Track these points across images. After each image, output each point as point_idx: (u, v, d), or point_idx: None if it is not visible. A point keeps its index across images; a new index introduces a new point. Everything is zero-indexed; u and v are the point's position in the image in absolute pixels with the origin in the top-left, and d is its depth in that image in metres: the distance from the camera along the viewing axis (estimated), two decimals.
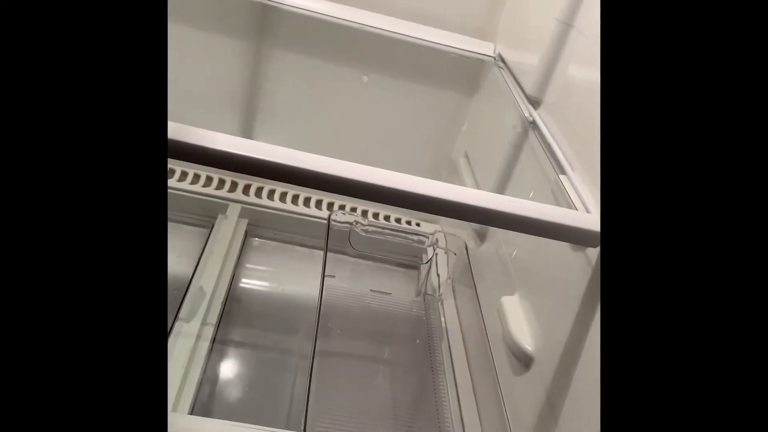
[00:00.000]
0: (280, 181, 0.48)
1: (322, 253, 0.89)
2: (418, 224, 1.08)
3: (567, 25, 0.68)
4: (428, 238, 0.96)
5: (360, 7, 0.89)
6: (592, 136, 0.59)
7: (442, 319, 0.90)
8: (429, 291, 0.94)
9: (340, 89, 0.98)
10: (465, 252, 0.89)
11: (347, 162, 0.48)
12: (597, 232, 0.51)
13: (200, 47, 0.92)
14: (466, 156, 0.97)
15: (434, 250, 0.95)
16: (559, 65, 0.70)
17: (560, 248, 0.60)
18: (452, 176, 0.99)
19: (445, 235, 0.97)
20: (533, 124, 0.72)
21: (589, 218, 0.52)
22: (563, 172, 0.61)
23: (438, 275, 0.94)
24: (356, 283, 0.93)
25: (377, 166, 0.48)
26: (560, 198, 0.59)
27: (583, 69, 0.65)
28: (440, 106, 0.99)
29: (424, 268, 0.96)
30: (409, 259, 0.99)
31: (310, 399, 0.71)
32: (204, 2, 0.88)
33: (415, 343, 0.90)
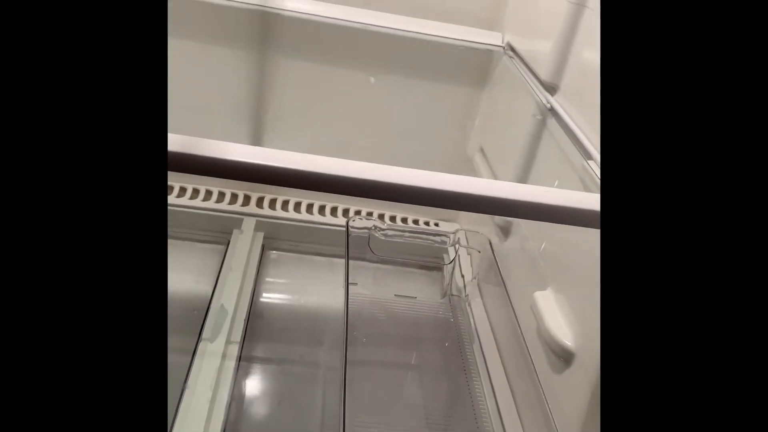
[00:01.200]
0: (296, 187, 0.46)
1: (341, 261, 0.87)
2: (437, 224, 1.05)
3: (580, 5, 0.66)
4: (449, 237, 0.93)
5: (361, 7, 0.87)
6: None
7: (471, 320, 0.87)
8: (454, 292, 0.92)
9: (348, 92, 0.96)
10: (490, 249, 0.87)
11: (363, 163, 0.45)
12: None
13: (204, 61, 0.90)
14: (482, 151, 0.95)
15: (456, 250, 0.92)
16: (574, 48, 0.68)
17: (592, 236, 0.58)
18: (469, 173, 0.97)
19: (466, 234, 0.95)
20: (552, 111, 0.69)
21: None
22: (590, 157, 0.59)
23: (462, 275, 0.91)
24: (379, 289, 0.91)
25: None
26: (590, 184, 0.56)
27: None
28: (451, 102, 0.97)
29: (447, 269, 0.94)
30: (431, 260, 0.97)
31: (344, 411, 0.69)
32: (204, 15, 0.87)
33: (444, 347, 0.87)
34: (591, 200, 0.50)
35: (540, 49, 0.74)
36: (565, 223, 0.49)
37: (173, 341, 0.80)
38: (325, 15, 0.87)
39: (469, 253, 0.92)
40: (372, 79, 0.94)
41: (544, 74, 0.72)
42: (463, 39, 0.89)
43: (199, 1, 0.82)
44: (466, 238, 0.94)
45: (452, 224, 1.04)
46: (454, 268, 0.92)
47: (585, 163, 0.58)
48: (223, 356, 0.75)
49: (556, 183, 0.68)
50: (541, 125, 0.72)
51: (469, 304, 0.89)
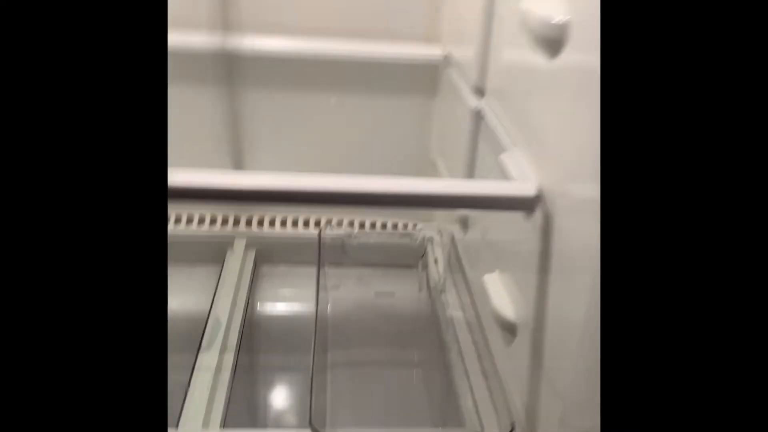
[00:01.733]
0: (267, 202, 0.56)
1: (329, 269, 0.95)
2: (415, 225, 1.13)
3: (488, 14, 0.74)
4: (419, 235, 1.01)
5: (314, 37, 0.96)
6: (530, 111, 0.63)
7: (447, 309, 0.95)
8: (430, 285, 1.00)
9: (314, 114, 1.05)
10: (453, 242, 0.94)
11: (303, 176, 0.55)
12: (531, 197, 0.56)
13: (178, 102, 1.00)
14: (442, 154, 1.03)
15: (427, 246, 1.00)
16: (492, 51, 0.76)
17: (518, 221, 0.65)
18: (435, 175, 1.05)
19: (440, 231, 1.02)
20: (479, 113, 0.77)
21: (523, 186, 0.57)
22: (505, 149, 0.66)
23: (436, 263, 0.99)
24: (360, 291, 0.99)
25: None
26: (505, 174, 0.64)
27: (513, 50, 0.70)
28: (409, 113, 1.05)
29: (421, 264, 1.01)
30: (406, 258, 1.04)
31: (331, 407, 0.77)
32: (172, 61, 0.96)
33: (425, 338, 0.95)
34: (497, 187, 0.57)
35: (467, 54, 0.82)
36: (471, 208, 0.56)
37: (175, 359, 0.90)
38: (283, 49, 0.96)
39: (439, 248, 0.99)
40: (333, 100, 1.03)
41: (472, 79, 0.80)
42: (409, 55, 0.97)
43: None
44: (440, 234, 1.02)
45: (428, 223, 1.12)
46: (427, 263, 1.00)
47: (501, 156, 0.66)
48: (219, 365, 0.84)
49: (493, 176, 0.76)
50: (475, 125, 0.80)
51: (444, 295, 0.96)
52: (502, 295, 0.72)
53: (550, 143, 0.58)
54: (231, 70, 0.99)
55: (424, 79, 1.02)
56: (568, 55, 0.51)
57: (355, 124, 1.06)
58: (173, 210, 1.10)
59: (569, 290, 0.54)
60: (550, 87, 0.56)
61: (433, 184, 0.57)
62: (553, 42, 0.53)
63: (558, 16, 0.52)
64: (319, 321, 0.96)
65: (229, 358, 0.86)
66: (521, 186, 0.56)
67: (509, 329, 0.70)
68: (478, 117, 0.79)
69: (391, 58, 0.98)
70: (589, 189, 0.47)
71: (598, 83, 0.38)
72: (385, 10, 0.98)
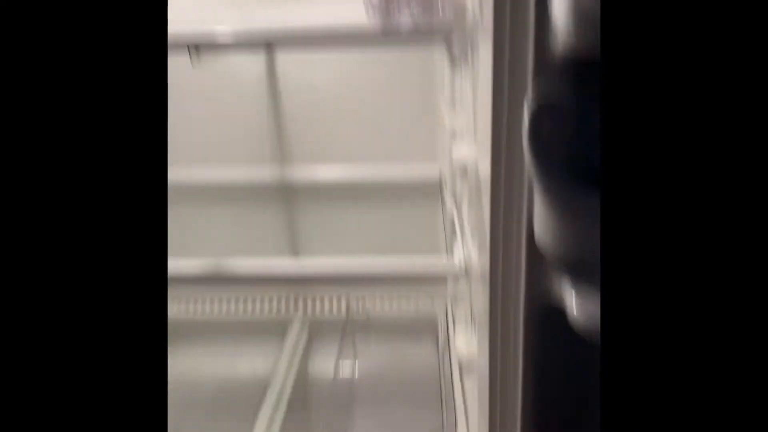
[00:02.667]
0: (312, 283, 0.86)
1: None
2: None
3: (448, 147, 1.03)
4: None
5: (346, 163, 1.31)
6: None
7: None
8: None
9: (351, 221, 1.38)
10: None
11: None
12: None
13: (247, 220, 1.36)
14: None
15: None
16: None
17: None
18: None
19: None
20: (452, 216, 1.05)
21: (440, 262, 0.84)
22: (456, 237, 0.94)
23: None
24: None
25: None
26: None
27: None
28: (422, 213, 1.36)
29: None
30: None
31: None
32: (243, 190, 1.34)
33: None
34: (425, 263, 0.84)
35: (445, 172, 1.11)
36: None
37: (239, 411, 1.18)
38: (324, 176, 1.32)
39: None
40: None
41: (449, 191, 1.08)
42: (416, 172, 1.29)
43: None
44: None
45: None
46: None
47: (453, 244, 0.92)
48: (273, 416, 1.11)
49: None
50: (452, 225, 1.08)
51: None
52: None
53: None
54: (286, 191, 1.36)
55: (431, 187, 1.33)
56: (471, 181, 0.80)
57: (381, 223, 1.38)
58: (249, 293, 1.44)
59: None
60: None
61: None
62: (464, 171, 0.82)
63: (470, 159, 0.80)
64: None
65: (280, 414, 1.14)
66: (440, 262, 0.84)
67: None
68: (452, 219, 1.07)
69: (404, 176, 1.31)
70: None
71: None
72: (399, 139, 1.32)
